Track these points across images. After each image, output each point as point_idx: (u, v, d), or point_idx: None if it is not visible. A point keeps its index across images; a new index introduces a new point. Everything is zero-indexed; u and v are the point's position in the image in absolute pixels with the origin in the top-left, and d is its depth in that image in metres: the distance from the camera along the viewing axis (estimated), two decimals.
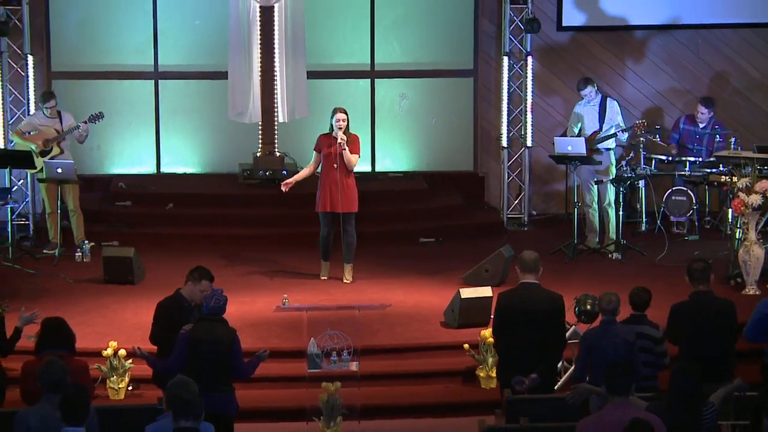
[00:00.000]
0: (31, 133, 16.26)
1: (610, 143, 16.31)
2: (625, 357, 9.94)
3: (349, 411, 11.64)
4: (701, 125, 17.22)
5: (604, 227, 16.37)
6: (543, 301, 10.71)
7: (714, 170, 16.64)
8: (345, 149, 14.59)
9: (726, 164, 16.08)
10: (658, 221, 16.83)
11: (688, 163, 16.96)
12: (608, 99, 16.62)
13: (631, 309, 10.70)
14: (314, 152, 14.93)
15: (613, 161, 16.47)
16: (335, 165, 14.64)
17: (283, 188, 15.05)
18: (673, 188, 16.95)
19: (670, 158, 17.20)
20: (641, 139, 16.89)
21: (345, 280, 15.00)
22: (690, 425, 8.51)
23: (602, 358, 9.99)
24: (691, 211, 16.95)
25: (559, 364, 12.10)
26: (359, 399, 11.76)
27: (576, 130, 16.49)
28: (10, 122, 17.36)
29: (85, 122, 16.23)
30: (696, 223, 17.10)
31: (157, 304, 10.91)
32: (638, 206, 17.34)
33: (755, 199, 14.15)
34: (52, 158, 16.00)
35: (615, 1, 18.24)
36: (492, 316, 13.08)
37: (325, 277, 15.13)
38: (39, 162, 16.01)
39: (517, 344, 10.64)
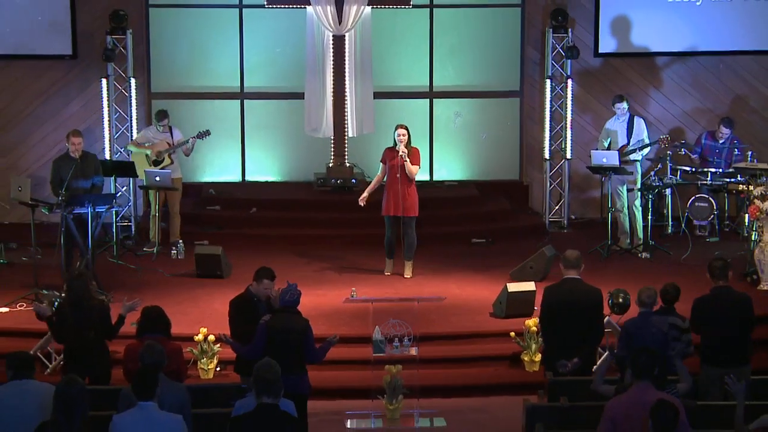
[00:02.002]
0: (146, 144, 16.39)
1: (637, 155, 16.28)
2: (660, 344, 9.89)
3: (409, 390, 11.66)
4: (721, 141, 17.10)
5: (634, 229, 16.33)
6: (584, 294, 10.69)
7: (733, 180, 16.55)
8: (406, 161, 14.61)
9: (743, 175, 15.96)
10: (683, 225, 16.72)
11: (709, 173, 16.87)
12: (635, 117, 16.60)
13: (662, 302, 10.64)
14: (380, 164, 14.97)
15: (640, 171, 16.43)
16: (398, 175, 14.65)
17: (361, 203, 15.09)
18: (696, 195, 16.87)
19: (694, 169, 17.11)
20: (668, 152, 16.85)
21: (406, 276, 15.00)
22: None
23: (641, 345, 9.90)
24: (712, 216, 16.86)
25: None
26: (418, 380, 11.75)
27: (606, 144, 16.46)
28: (115, 137, 17.50)
29: (194, 138, 16.34)
30: (716, 227, 16.99)
31: (229, 303, 10.94)
32: (665, 211, 17.24)
33: None
34: (162, 168, 16.12)
35: (646, 30, 18.15)
36: (536, 308, 13.15)
37: (389, 273, 15.14)
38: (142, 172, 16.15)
39: (561, 332, 10.64)
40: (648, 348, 8.87)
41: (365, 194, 15.08)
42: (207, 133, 16.41)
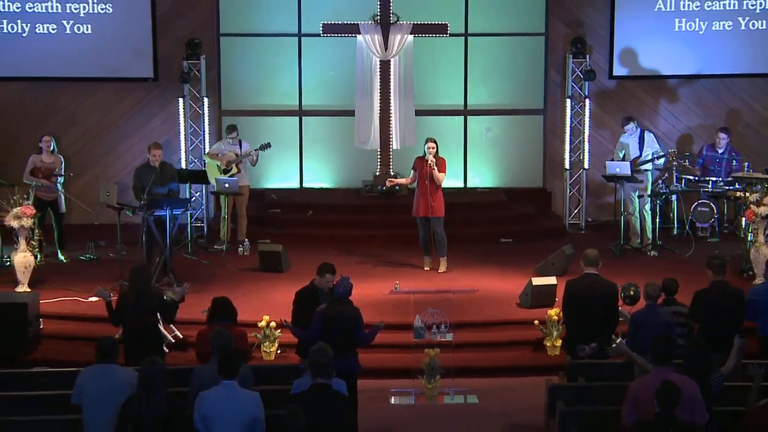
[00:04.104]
0: (219, 155, 16.45)
1: (648, 166, 16.17)
2: (665, 332, 9.81)
3: (445, 371, 11.65)
4: (720, 150, 16.95)
5: (644, 230, 16.22)
6: (602, 288, 10.67)
7: (731, 187, 16.41)
8: (434, 169, 14.60)
9: (741, 183, 15.85)
10: (687, 227, 16.63)
11: (710, 181, 16.73)
12: (646, 132, 16.51)
13: (664, 294, 10.58)
14: (412, 170, 14.96)
15: (649, 179, 16.32)
16: (426, 182, 14.65)
17: (387, 183, 15.48)
18: (699, 201, 16.73)
19: (696, 178, 16.98)
20: (674, 163, 16.75)
21: (440, 270, 14.95)
22: (702, 388, 8.36)
23: (647, 334, 9.88)
24: (713, 219, 16.72)
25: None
26: (453, 362, 11.73)
27: (620, 156, 16.37)
28: (190, 149, 17.57)
29: (257, 149, 16.37)
30: (717, 229, 16.85)
31: (295, 292, 10.92)
32: (671, 215, 17.12)
33: (764, 210, 14.03)
34: (231, 176, 16.15)
35: (654, 56, 18.02)
36: (557, 299, 13.09)
37: (427, 268, 15.09)
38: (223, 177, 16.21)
39: (581, 321, 10.62)
40: (669, 336, 8.83)
41: (395, 181, 15.52)
42: (268, 145, 16.43)
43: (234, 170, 16.32)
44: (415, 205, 14.84)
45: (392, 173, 17.72)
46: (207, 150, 17.03)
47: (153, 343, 10.50)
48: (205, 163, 16.89)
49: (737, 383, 9.39)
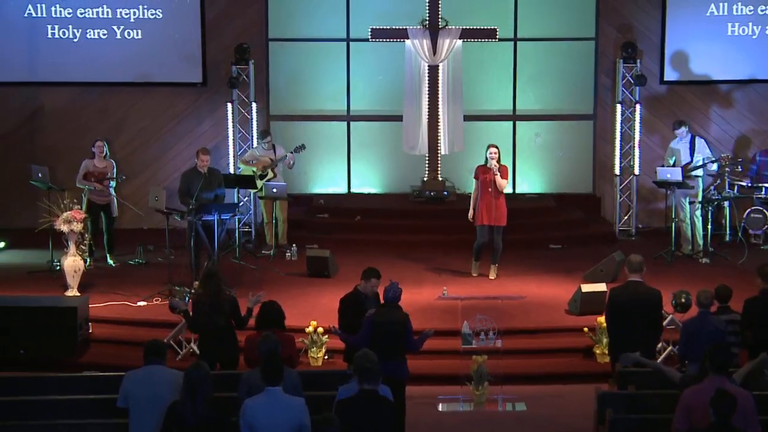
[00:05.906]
0: (253, 161, 16.49)
1: (699, 172, 16.03)
2: (717, 341, 9.69)
3: (493, 378, 11.59)
4: None
5: (695, 237, 16.09)
6: (645, 295, 10.55)
7: None
8: (497, 174, 14.53)
9: None
10: (740, 234, 16.43)
11: (764, 188, 16.58)
12: (697, 137, 16.38)
13: (717, 302, 10.46)
14: (474, 180, 14.89)
15: (701, 185, 16.17)
16: (489, 189, 14.59)
17: (471, 219, 14.78)
18: (752, 208, 16.59)
19: (749, 184, 16.81)
20: (726, 170, 16.60)
21: (491, 277, 14.89)
22: None
23: (699, 342, 9.76)
24: (766, 226, 16.56)
25: (659, 345, 11.87)
26: (502, 369, 11.67)
27: (671, 162, 16.25)
28: (239, 153, 17.63)
29: (291, 153, 16.41)
30: None
31: (339, 300, 10.90)
32: (724, 222, 16.98)
33: None
34: (268, 181, 16.21)
35: (706, 61, 17.88)
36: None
37: (475, 275, 15.04)
38: (259, 183, 16.23)
39: (625, 328, 10.50)
40: (726, 345, 8.69)
41: (471, 212, 14.81)
42: (302, 147, 16.48)
43: (270, 175, 16.35)
44: (478, 213, 14.76)
45: (440, 178, 17.70)
46: (243, 157, 17.05)
47: (230, 344, 10.56)
48: (239, 170, 16.92)
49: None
